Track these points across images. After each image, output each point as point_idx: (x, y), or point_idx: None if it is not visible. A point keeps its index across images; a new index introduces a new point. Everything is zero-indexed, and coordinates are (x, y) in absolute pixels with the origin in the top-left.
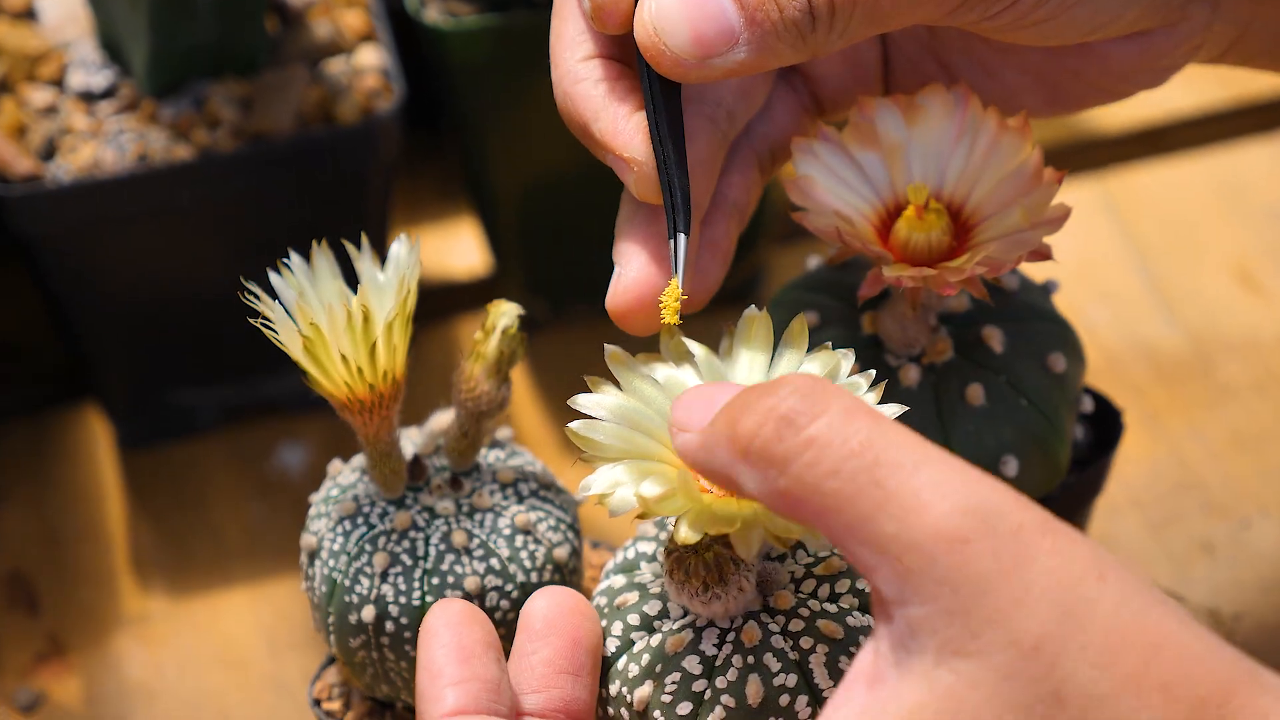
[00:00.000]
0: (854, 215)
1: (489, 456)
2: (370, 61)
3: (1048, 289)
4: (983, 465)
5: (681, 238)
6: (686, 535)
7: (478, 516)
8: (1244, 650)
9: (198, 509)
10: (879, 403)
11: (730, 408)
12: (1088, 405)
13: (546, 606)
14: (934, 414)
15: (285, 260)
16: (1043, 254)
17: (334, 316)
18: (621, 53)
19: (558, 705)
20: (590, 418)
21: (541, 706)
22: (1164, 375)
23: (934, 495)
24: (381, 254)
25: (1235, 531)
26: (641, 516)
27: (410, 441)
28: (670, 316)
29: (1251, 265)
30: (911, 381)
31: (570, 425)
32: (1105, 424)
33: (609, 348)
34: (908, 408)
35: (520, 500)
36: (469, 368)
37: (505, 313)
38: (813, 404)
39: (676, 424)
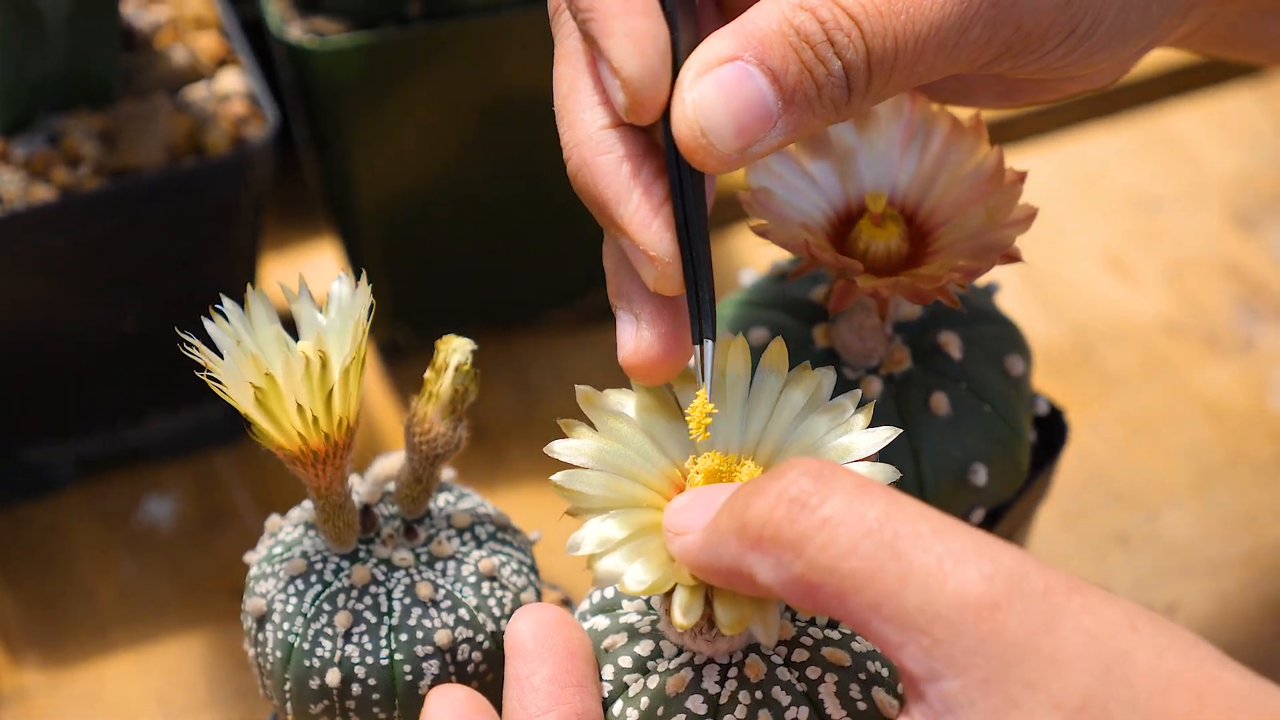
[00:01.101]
0: (812, 226)
1: (438, 501)
2: (234, 86)
3: (990, 291)
4: (952, 475)
5: (709, 345)
6: (684, 621)
7: (439, 565)
8: None
9: (64, 572)
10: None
11: (735, 500)
12: (1042, 407)
13: (534, 625)
14: (899, 426)
15: (219, 307)
16: (1013, 256)
17: (290, 364)
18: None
19: None
20: (571, 466)
21: None
22: (1052, 369)
23: (956, 564)
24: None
25: (1146, 521)
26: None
27: (355, 490)
28: (700, 432)
29: (1119, 252)
30: (873, 394)
31: (554, 477)
32: (1048, 425)
33: (580, 389)
34: (902, 429)
35: (480, 545)
36: (421, 409)
37: (457, 349)
38: (823, 484)
39: (673, 529)
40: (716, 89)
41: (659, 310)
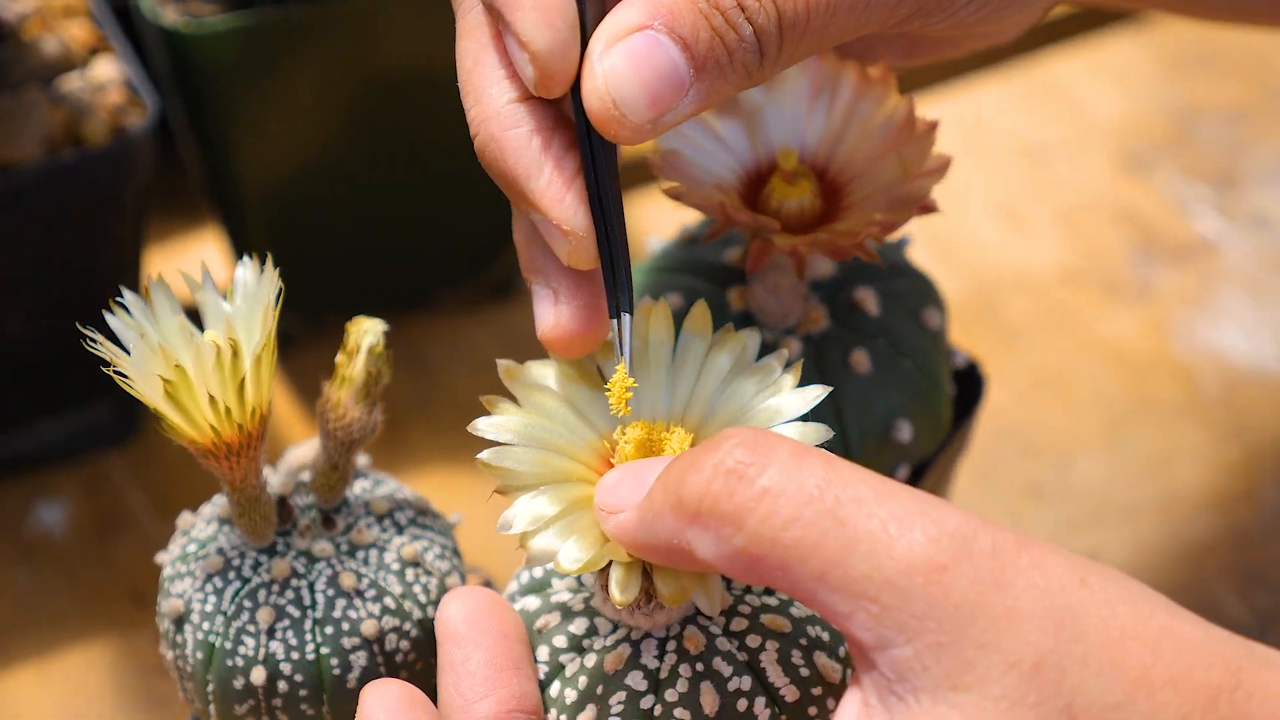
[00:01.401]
0: (725, 187)
1: (355, 488)
2: (109, 75)
3: (901, 245)
4: (876, 432)
5: (626, 318)
6: (622, 598)
7: (360, 554)
8: None
9: None
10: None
11: (669, 474)
12: (959, 361)
13: (464, 609)
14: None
15: (120, 301)
16: (929, 207)
17: (199, 355)
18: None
19: (511, 704)
20: (496, 443)
21: (496, 710)
22: (955, 323)
23: (901, 527)
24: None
25: (1058, 472)
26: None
27: (268, 483)
28: (621, 408)
29: (1012, 202)
30: (793, 355)
31: (480, 456)
32: (964, 379)
33: (501, 363)
34: (832, 387)
35: (400, 531)
36: (334, 394)
37: (368, 330)
38: (760, 454)
39: (605, 507)
40: (627, 59)
41: (576, 284)
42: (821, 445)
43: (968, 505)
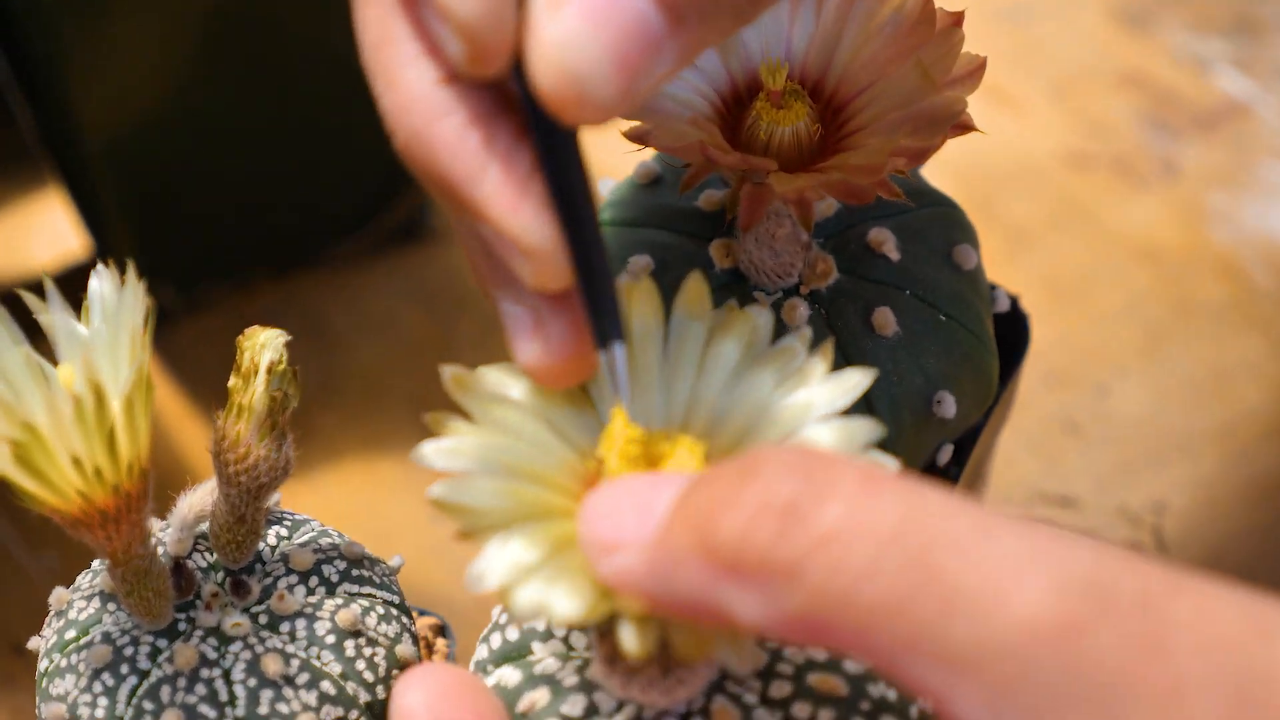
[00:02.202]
0: (702, 121)
1: (268, 538)
2: None
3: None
4: (914, 410)
5: (618, 349)
6: (637, 648)
7: (285, 627)
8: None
9: None
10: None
11: (691, 505)
12: (1003, 303)
13: (427, 697)
14: (836, 357)
15: None
16: (967, 124)
17: (54, 405)
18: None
19: None
20: (450, 474)
21: None
22: None
23: (1015, 575)
24: None
25: (1095, 401)
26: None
27: (157, 542)
28: (623, 465)
29: (996, 77)
30: (799, 321)
31: (431, 491)
32: (1002, 322)
33: (448, 371)
34: (877, 371)
35: (332, 590)
36: (231, 430)
37: (265, 344)
38: (817, 483)
39: (598, 542)
40: (583, 17)
41: (559, 297)
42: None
43: (999, 457)
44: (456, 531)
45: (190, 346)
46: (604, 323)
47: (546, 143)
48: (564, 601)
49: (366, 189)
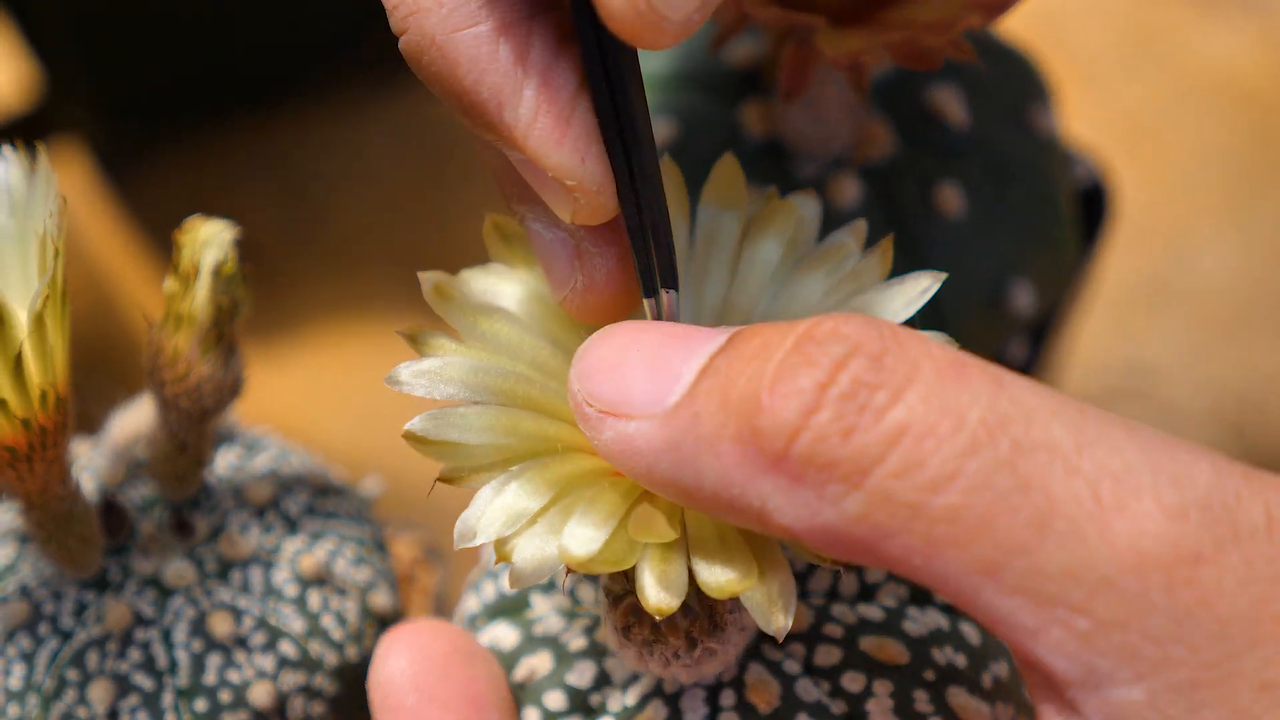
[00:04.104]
0: None
1: (217, 465)
2: None
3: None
4: (980, 300)
5: (671, 297)
6: (662, 602)
7: (237, 576)
8: None
9: None
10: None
11: (732, 379)
12: (1083, 171)
13: (411, 666)
14: (896, 244)
15: None
16: None
17: None
18: None
19: None
20: (434, 403)
21: None
22: None
23: (1122, 491)
24: None
25: (1180, 265)
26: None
27: (84, 473)
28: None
29: None
30: (849, 199)
31: (409, 427)
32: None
33: (428, 279)
34: (946, 274)
35: (293, 528)
36: (169, 343)
37: (209, 241)
38: (890, 365)
39: (597, 399)
40: None
41: (614, 256)
42: None
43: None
44: (441, 474)
45: (158, 189)
46: (653, 272)
47: (599, 61)
48: (578, 533)
49: (349, 8)
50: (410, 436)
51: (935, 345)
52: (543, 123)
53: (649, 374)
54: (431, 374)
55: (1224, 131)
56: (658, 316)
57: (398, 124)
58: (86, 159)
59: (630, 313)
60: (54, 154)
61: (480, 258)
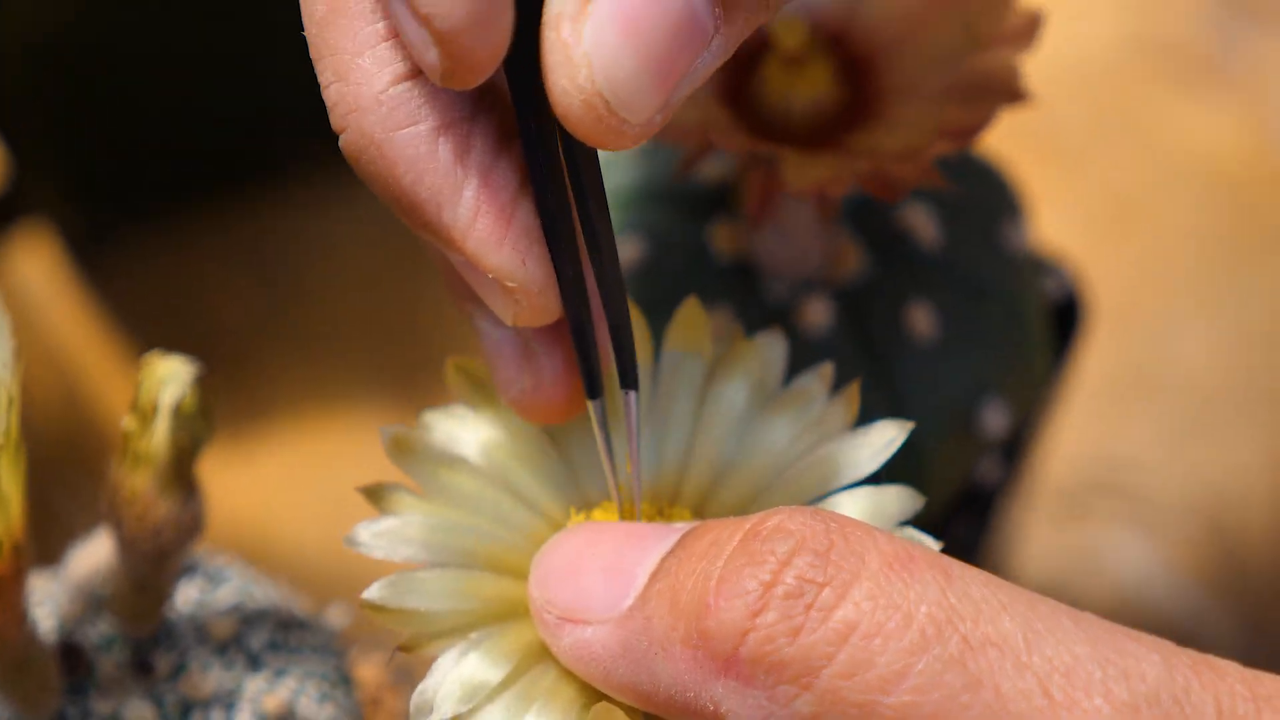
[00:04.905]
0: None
1: (179, 600)
2: None
3: None
4: (954, 424)
5: (632, 397)
6: None
7: (197, 717)
8: None
9: None
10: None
11: (680, 578)
12: (1056, 282)
13: None
14: (861, 361)
15: None
16: (1017, 94)
17: None
18: None
19: None
20: (390, 567)
21: None
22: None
23: (1071, 686)
24: None
25: (1156, 350)
26: None
27: (43, 607)
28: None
29: None
30: (819, 322)
31: (366, 595)
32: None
33: (390, 432)
34: (914, 423)
35: (255, 665)
36: (128, 481)
37: (168, 377)
38: (836, 562)
39: (554, 607)
40: (620, 25)
41: (563, 354)
42: None
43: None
44: (401, 643)
45: (127, 280)
46: (622, 373)
47: (545, 163)
48: None
49: (316, 96)
50: (369, 605)
51: (883, 538)
52: (483, 224)
53: (605, 578)
54: (390, 534)
55: (1204, 214)
56: (602, 420)
57: (370, 209)
58: (55, 242)
59: (577, 413)
60: (22, 238)
61: (450, 347)
